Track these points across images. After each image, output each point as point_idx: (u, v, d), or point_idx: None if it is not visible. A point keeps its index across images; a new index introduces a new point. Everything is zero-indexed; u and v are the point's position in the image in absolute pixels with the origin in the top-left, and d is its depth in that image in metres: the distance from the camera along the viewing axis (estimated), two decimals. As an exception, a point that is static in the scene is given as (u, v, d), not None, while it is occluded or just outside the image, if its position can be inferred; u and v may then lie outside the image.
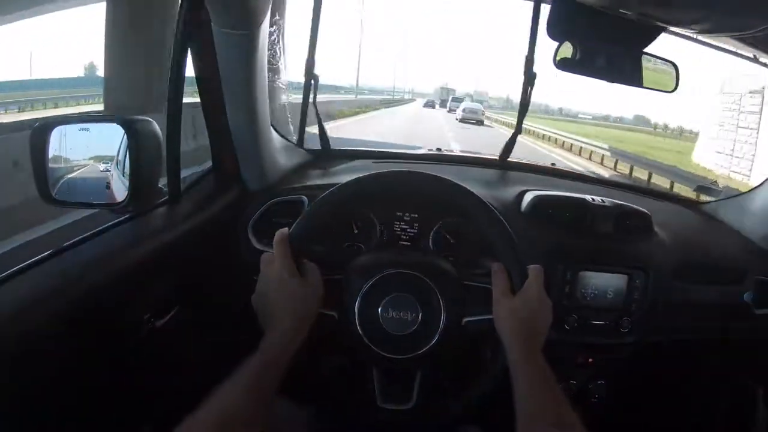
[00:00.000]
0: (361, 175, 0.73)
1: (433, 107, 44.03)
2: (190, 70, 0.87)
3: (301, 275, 0.67)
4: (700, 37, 0.80)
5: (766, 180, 1.21)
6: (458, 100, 38.57)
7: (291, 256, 0.67)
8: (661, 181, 9.16)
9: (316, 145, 1.25)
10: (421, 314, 0.70)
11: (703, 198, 1.40)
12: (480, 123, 22.86)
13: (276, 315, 0.64)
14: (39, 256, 0.66)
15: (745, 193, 1.28)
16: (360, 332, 0.70)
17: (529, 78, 1.12)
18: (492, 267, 0.72)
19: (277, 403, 0.81)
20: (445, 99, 49.17)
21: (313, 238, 0.72)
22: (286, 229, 0.69)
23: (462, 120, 23.66)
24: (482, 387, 0.73)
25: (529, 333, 0.67)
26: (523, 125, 1.28)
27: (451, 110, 33.47)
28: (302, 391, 0.71)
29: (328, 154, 1.27)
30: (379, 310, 0.70)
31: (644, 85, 0.93)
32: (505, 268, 0.71)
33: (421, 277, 0.72)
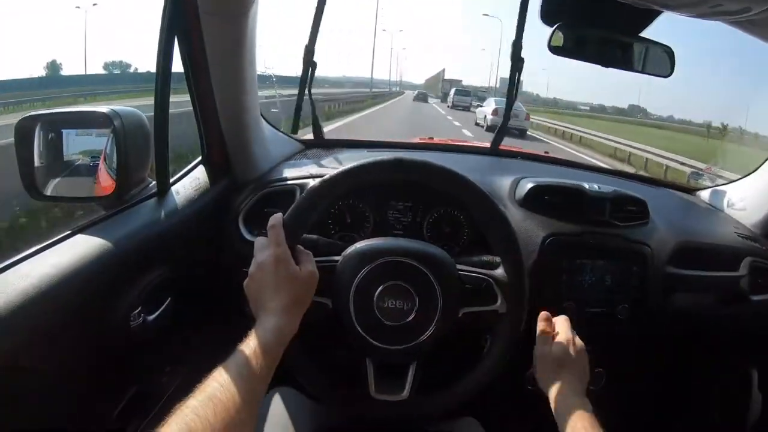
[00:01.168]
0: (356, 163, 0.71)
1: (426, 101, 37.82)
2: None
3: (295, 261, 0.65)
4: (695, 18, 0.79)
5: (759, 167, 1.21)
6: (464, 93, 32.43)
7: (285, 241, 0.66)
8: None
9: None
10: (417, 304, 0.69)
11: (698, 184, 1.40)
12: (522, 133, 14.60)
13: (269, 300, 0.63)
14: (26, 252, 0.65)
15: (739, 179, 1.28)
16: (354, 321, 0.69)
17: (517, 64, 1.09)
18: (540, 316, 0.77)
19: (277, 390, 0.81)
20: (446, 92, 40.78)
21: (307, 225, 0.71)
22: (281, 213, 0.68)
23: (491, 129, 13.03)
24: (476, 379, 0.72)
25: (568, 381, 0.70)
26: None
27: (455, 106, 28.20)
28: (294, 379, 0.71)
29: (320, 144, 1.26)
30: (375, 298, 0.69)
31: (640, 70, 0.92)
32: (548, 317, 0.76)
33: (419, 266, 0.70)
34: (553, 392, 0.69)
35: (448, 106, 29.88)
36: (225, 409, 0.50)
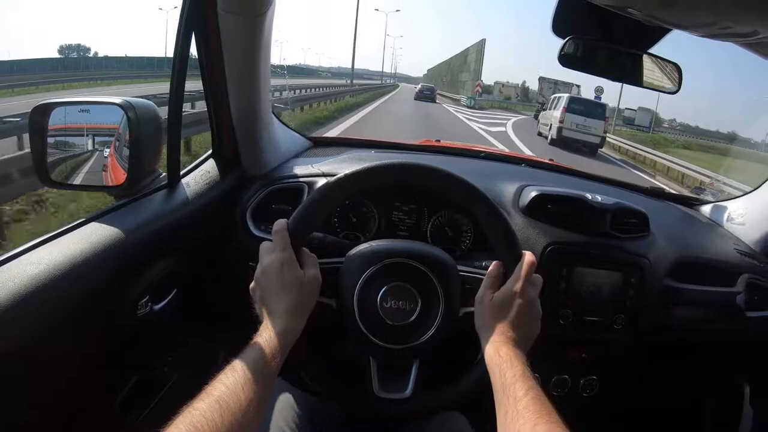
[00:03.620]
0: (363, 165, 0.72)
1: (433, 100, 27.87)
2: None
3: (299, 265, 0.67)
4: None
5: (761, 185, 1.22)
6: (586, 109, 12.68)
7: (290, 245, 0.67)
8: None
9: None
10: (419, 304, 0.70)
11: (700, 199, 1.41)
12: None
13: (274, 304, 0.64)
14: (39, 239, 0.66)
15: (741, 196, 1.29)
16: (358, 321, 0.70)
17: None
18: (492, 266, 0.71)
19: (279, 390, 0.82)
20: (536, 100, 24.23)
21: (312, 228, 0.72)
22: (285, 219, 0.69)
23: None
24: (476, 376, 0.74)
25: (503, 333, 0.65)
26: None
27: (563, 137, 12.65)
28: (298, 379, 0.72)
29: (328, 143, 1.27)
30: (378, 299, 0.70)
31: (647, 85, 0.93)
32: (500, 264, 0.71)
33: (421, 267, 0.72)
34: (485, 343, 0.64)
35: (546, 137, 13.81)
36: (231, 413, 0.51)
